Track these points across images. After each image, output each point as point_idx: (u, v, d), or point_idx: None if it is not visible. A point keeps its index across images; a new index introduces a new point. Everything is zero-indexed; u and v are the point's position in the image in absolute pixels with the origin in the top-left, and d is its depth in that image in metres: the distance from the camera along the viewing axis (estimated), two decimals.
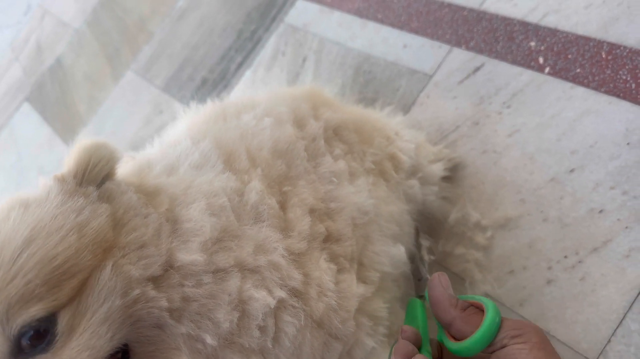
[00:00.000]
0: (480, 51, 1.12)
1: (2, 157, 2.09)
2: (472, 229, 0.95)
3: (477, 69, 1.10)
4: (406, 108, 1.16)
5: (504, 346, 0.54)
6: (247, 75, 1.50)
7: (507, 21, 1.12)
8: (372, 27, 1.32)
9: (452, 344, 0.58)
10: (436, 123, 1.10)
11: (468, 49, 1.13)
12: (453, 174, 1.01)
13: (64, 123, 1.95)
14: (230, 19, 1.65)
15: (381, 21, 1.31)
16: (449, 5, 1.22)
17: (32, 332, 0.48)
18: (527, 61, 1.06)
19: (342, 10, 1.41)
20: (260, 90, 1.43)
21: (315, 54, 1.40)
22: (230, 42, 1.60)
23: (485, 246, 0.92)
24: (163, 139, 0.75)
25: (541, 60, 1.04)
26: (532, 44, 1.07)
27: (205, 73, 1.60)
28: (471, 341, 0.55)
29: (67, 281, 0.49)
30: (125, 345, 0.52)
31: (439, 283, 0.61)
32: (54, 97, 2.07)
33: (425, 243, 0.93)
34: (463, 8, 1.19)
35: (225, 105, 0.79)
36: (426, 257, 0.90)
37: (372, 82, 1.25)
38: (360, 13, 1.36)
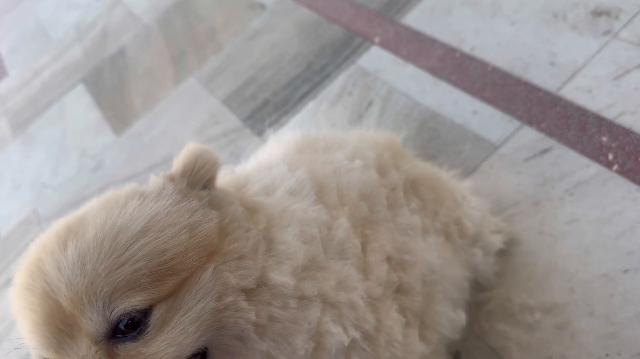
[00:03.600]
0: (550, 134, 1.14)
1: (48, 131, 2.13)
2: (518, 308, 0.95)
3: (545, 151, 1.12)
4: (466, 173, 1.17)
5: None
6: (310, 106, 1.53)
7: (582, 111, 1.14)
8: (444, 87, 1.35)
9: None
10: (496, 194, 1.11)
11: (539, 129, 1.16)
12: (507, 249, 1.02)
13: (116, 111, 1.99)
14: (302, 49, 1.69)
15: (454, 83, 1.34)
16: (526, 83, 1.24)
17: (128, 320, 0.49)
18: (597, 155, 1.08)
19: (417, 64, 1.44)
20: (321, 124, 1.46)
21: (382, 101, 1.43)
22: (298, 71, 1.64)
23: (530, 327, 0.93)
24: (257, 158, 0.77)
25: (611, 156, 1.06)
26: (604, 139, 1.09)
27: (268, 95, 1.63)
28: None
29: (170, 277, 0.51)
30: (206, 348, 0.54)
31: None
32: (111, 84, 2.11)
33: None
34: (539, 89, 1.22)
35: (315, 138, 0.81)
36: None
37: (435, 140, 1.28)
38: (434, 71, 1.40)
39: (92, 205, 0.55)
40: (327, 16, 1.74)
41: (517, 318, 0.95)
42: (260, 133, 1.56)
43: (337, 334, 0.57)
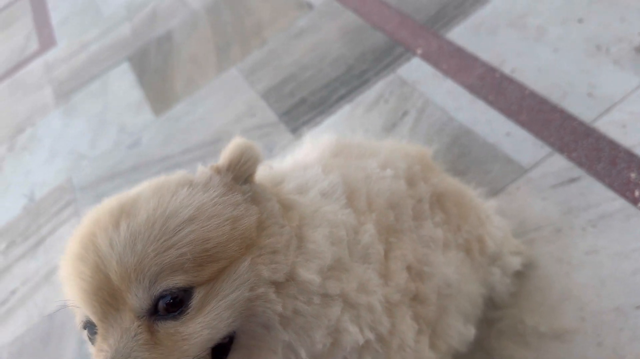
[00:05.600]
0: (580, 164, 1.15)
1: (89, 104, 2.19)
2: (528, 330, 0.97)
3: (573, 180, 1.14)
4: (492, 193, 1.19)
5: None
6: (346, 109, 1.57)
7: (613, 145, 1.16)
8: (480, 105, 1.37)
9: None
10: (519, 216, 1.13)
11: (569, 158, 1.17)
12: (524, 271, 1.04)
13: (157, 93, 2.05)
14: (344, 52, 1.72)
15: (491, 103, 1.36)
16: (562, 111, 1.26)
17: (170, 298, 0.53)
18: (623, 190, 1.09)
19: (456, 80, 1.46)
20: (355, 128, 1.49)
21: (417, 112, 1.45)
22: (338, 74, 1.67)
23: (537, 350, 0.95)
24: (294, 157, 0.80)
25: (637, 193, 1.07)
26: (633, 175, 1.10)
27: (305, 94, 1.67)
28: None
29: (210, 264, 0.55)
30: (234, 332, 0.58)
31: None
32: (155, 65, 2.17)
33: None
34: (574, 118, 1.23)
35: (350, 143, 0.85)
36: None
37: (465, 157, 1.30)
38: (472, 89, 1.42)
39: (144, 188, 0.60)
40: (372, 22, 1.77)
41: (526, 340, 0.97)
42: (294, 130, 1.59)
43: (354, 334, 0.61)
